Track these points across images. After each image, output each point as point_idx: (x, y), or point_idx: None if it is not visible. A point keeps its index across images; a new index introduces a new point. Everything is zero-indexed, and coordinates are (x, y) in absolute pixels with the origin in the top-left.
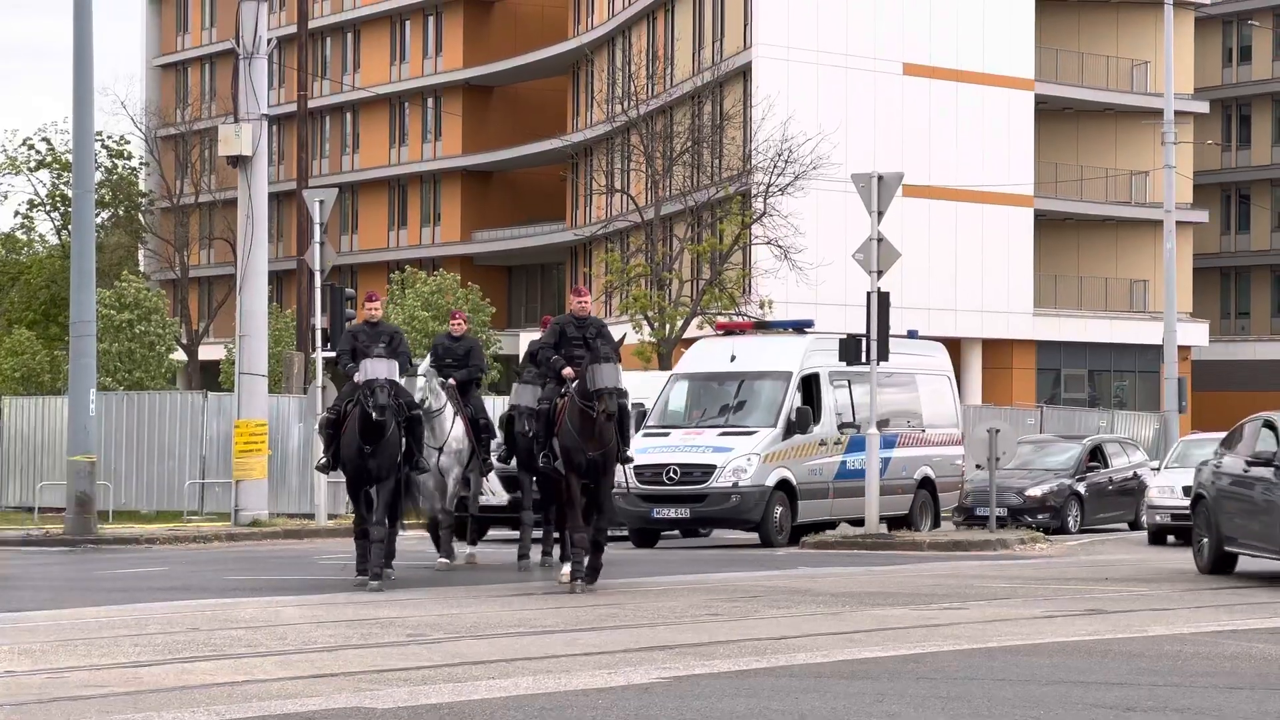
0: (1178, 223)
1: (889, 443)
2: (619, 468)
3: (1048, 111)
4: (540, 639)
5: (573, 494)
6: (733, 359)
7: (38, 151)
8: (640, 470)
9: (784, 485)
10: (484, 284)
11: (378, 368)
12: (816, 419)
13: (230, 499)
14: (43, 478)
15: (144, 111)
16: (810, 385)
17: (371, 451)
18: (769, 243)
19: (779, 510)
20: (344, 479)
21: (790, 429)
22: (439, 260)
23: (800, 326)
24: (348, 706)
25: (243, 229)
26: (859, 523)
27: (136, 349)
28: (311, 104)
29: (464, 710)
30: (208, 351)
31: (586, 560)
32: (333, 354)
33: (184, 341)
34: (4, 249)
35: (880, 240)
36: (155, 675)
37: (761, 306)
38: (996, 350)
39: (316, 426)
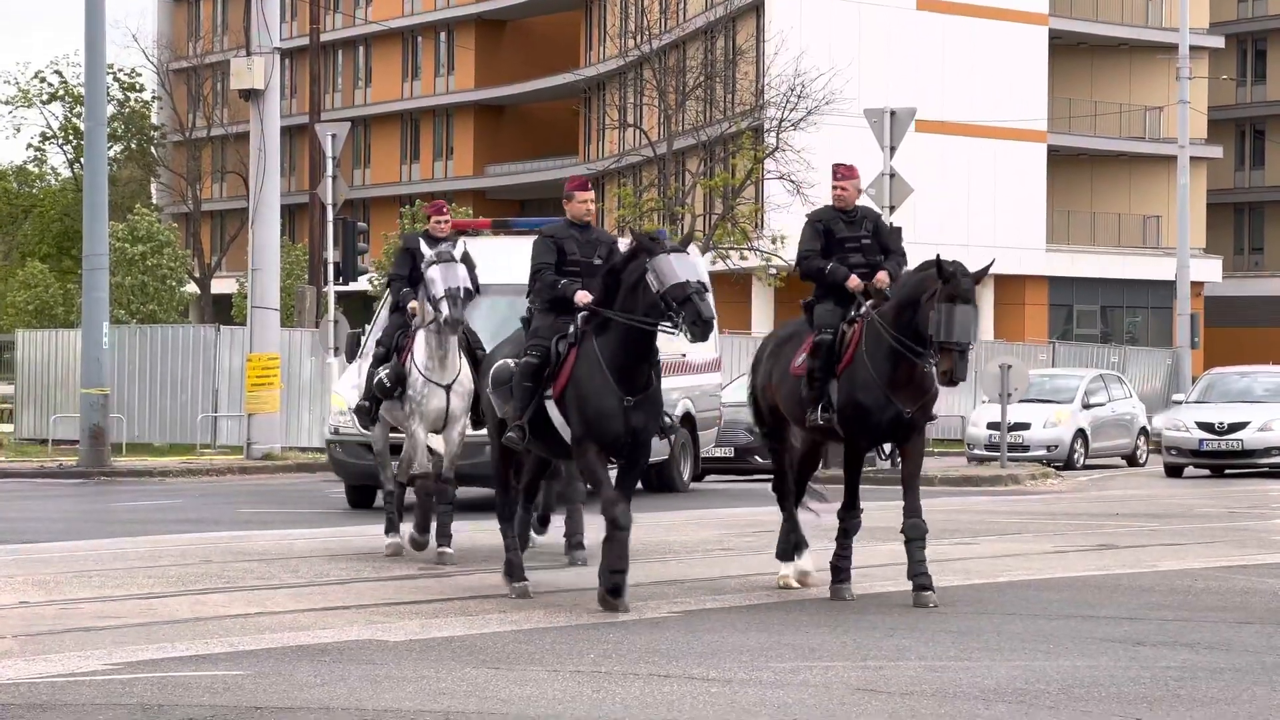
0: (1191, 158)
1: None
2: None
3: (1062, 46)
4: (552, 573)
5: (860, 465)
6: None
7: (50, 85)
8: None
9: None
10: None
11: (683, 266)
12: None
13: (243, 432)
14: (56, 410)
15: (156, 45)
16: None
17: (636, 403)
18: (781, 178)
19: None
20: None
21: None
22: (451, 194)
23: None
24: (360, 639)
25: (255, 163)
26: None
27: (149, 282)
28: (324, 37)
29: (475, 643)
30: (220, 285)
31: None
32: (344, 288)
33: (196, 275)
34: (17, 182)
35: (893, 176)
36: (169, 607)
37: (774, 241)
38: (1009, 286)
39: (487, 383)
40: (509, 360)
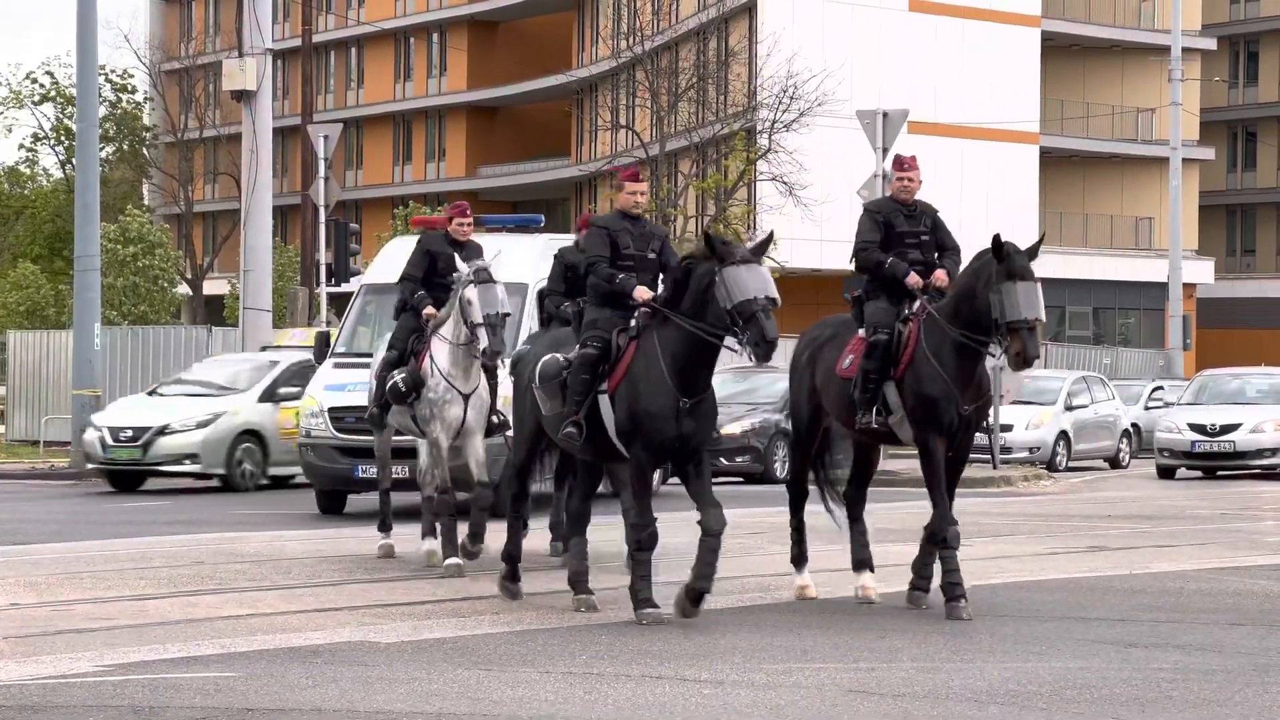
0: (1184, 160)
1: None
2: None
3: (1054, 48)
4: (545, 575)
5: (940, 465)
6: None
7: (41, 85)
8: (338, 414)
9: None
10: None
11: (754, 279)
12: None
13: None
14: (48, 411)
15: (148, 45)
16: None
17: (690, 407)
18: (774, 179)
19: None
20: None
21: None
22: (444, 196)
23: (526, 224)
24: (352, 641)
25: (247, 164)
26: None
27: (141, 283)
28: (316, 39)
29: (467, 645)
30: (212, 286)
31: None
32: (337, 289)
33: (188, 276)
34: (8, 183)
35: (885, 177)
36: (160, 608)
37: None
38: None
39: (533, 379)
40: (558, 355)
